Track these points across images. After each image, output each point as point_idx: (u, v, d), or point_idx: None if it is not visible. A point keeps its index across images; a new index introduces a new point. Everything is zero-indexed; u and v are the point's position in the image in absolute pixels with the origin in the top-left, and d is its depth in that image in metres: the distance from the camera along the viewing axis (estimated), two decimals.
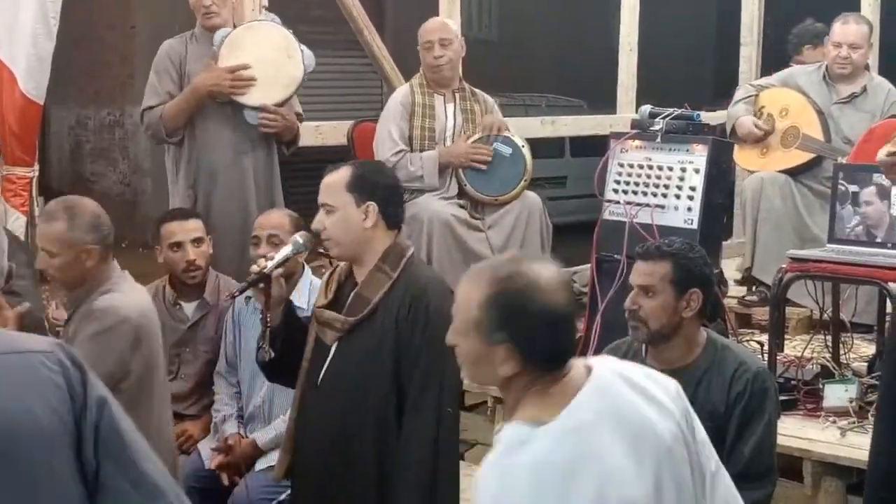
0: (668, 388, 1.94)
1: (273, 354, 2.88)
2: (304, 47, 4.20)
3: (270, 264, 2.84)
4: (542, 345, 1.85)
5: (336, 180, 2.83)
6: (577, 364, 1.90)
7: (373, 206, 2.81)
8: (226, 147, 4.19)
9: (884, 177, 3.90)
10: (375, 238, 2.82)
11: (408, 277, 2.81)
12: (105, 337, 2.87)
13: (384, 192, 2.86)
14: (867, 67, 5.27)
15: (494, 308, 1.85)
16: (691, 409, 1.97)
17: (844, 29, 5.04)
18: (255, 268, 2.88)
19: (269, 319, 2.87)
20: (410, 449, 2.72)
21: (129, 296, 2.98)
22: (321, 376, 2.85)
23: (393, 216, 2.86)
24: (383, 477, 2.76)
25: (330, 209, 2.82)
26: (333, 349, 2.85)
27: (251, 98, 4.13)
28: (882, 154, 3.00)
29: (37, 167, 4.24)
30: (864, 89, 5.10)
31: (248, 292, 3.70)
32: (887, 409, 2.98)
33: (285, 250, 2.91)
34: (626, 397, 1.87)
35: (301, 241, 2.95)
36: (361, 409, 2.78)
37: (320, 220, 2.84)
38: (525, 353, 1.84)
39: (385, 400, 2.76)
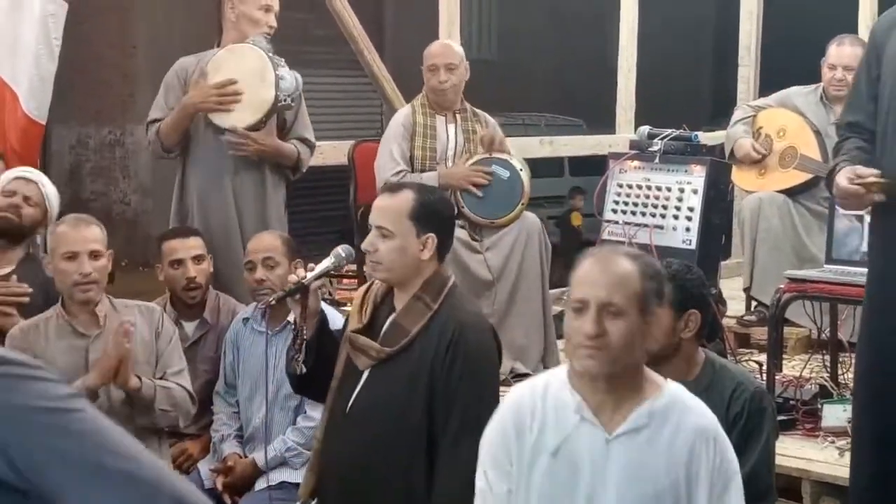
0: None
1: (305, 369, 2.82)
2: (288, 71, 4.10)
3: (310, 275, 2.79)
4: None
5: (399, 206, 2.74)
6: None
7: (433, 239, 2.74)
8: (211, 168, 4.18)
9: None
10: (425, 268, 2.76)
11: (448, 310, 2.73)
12: None
13: (445, 224, 2.80)
14: None
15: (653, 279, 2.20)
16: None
17: (839, 51, 5.07)
18: (293, 278, 2.82)
19: (304, 331, 2.82)
20: (442, 493, 2.65)
21: None
22: (351, 402, 2.78)
23: (447, 248, 2.81)
24: None
25: (387, 234, 2.73)
26: (366, 375, 2.79)
27: (223, 120, 4.11)
28: (846, 182, 2.89)
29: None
30: None
31: (246, 313, 3.75)
32: (868, 430, 2.99)
33: (326, 262, 2.86)
34: None
35: (343, 254, 2.89)
36: (390, 440, 2.71)
37: (372, 243, 2.75)
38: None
39: (416, 434, 2.69)
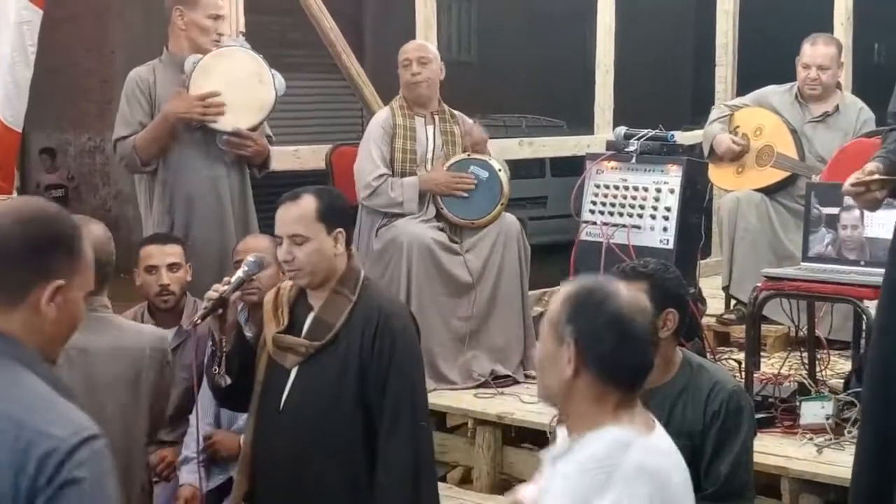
0: None
1: (230, 381, 2.90)
2: (275, 72, 4.20)
3: (227, 289, 2.86)
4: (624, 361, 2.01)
5: (306, 211, 2.84)
6: None
7: (342, 233, 2.86)
8: (201, 174, 4.18)
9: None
10: (339, 263, 2.86)
11: (367, 300, 2.85)
12: None
13: (347, 216, 2.93)
14: (839, 86, 5.33)
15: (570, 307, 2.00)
16: None
17: (813, 50, 5.11)
18: (211, 294, 2.88)
19: (224, 345, 2.88)
20: (390, 471, 2.74)
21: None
22: (283, 401, 2.85)
23: (351, 238, 2.93)
24: (352, 500, 2.78)
25: (302, 240, 2.82)
26: (294, 373, 2.86)
27: (224, 124, 4.13)
28: (847, 184, 2.96)
29: (15, 195, 4.23)
30: (837, 108, 5.16)
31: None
32: (868, 430, 3.00)
33: (239, 273, 2.93)
34: None
35: (255, 261, 2.98)
36: (327, 432, 2.80)
37: (289, 252, 2.83)
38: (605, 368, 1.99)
39: (351, 423, 2.79)
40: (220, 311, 2.86)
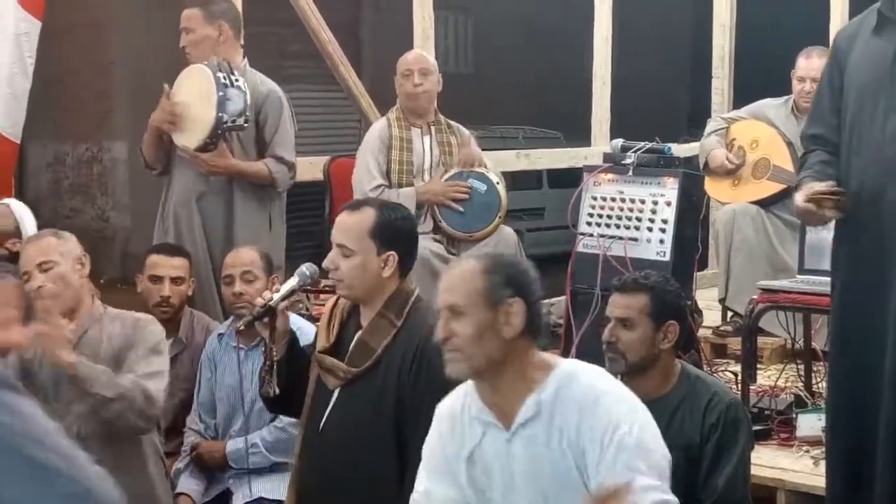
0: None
1: (278, 391, 2.82)
2: (233, 92, 4.02)
3: (276, 297, 2.79)
4: (539, 307, 2.24)
5: (359, 223, 2.74)
6: None
7: (394, 257, 2.74)
8: (184, 187, 4.21)
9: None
10: (388, 285, 2.76)
11: (413, 324, 2.73)
12: None
13: (406, 241, 2.80)
14: None
15: (497, 272, 2.22)
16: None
17: (808, 63, 5.13)
18: (259, 301, 2.82)
19: (274, 353, 2.81)
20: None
21: None
22: (323, 422, 2.80)
23: (409, 265, 2.81)
24: None
25: (348, 253, 2.73)
26: (336, 395, 2.80)
27: (178, 139, 4.14)
28: (800, 200, 2.91)
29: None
30: None
31: (221, 329, 3.75)
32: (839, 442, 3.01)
33: (291, 282, 2.85)
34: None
35: (308, 272, 2.88)
36: (361, 460, 2.73)
37: (334, 261, 2.75)
38: (530, 311, 2.21)
39: (384, 451, 2.70)
40: (268, 319, 2.79)
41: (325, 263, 2.81)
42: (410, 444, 2.62)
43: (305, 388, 2.86)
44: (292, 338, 2.89)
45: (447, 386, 2.47)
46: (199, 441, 3.61)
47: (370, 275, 2.73)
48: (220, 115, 3.98)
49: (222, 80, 4.00)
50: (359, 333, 2.79)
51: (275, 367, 2.82)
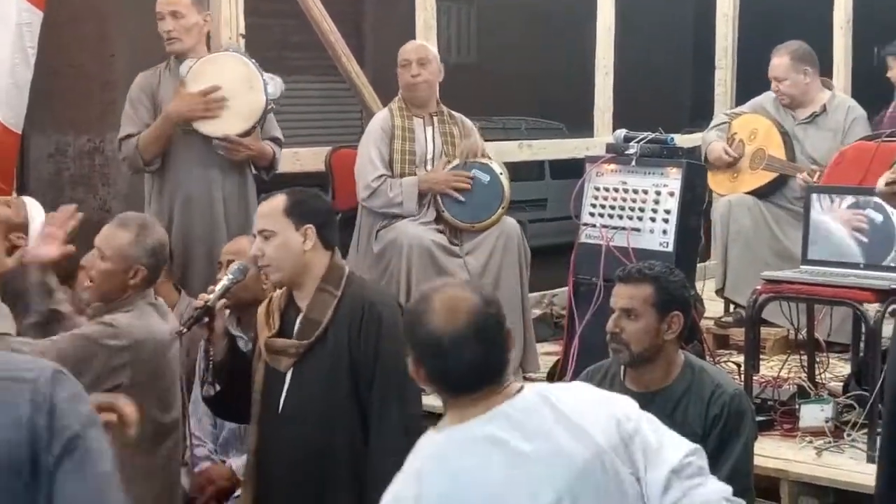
0: (598, 420, 1.99)
1: (218, 388, 2.91)
2: (271, 76, 4.18)
3: (212, 297, 2.87)
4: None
5: (274, 206, 2.89)
6: (514, 386, 2.02)
7: (311, 229, 2.87)
8: (197, 177, 4.21)
9: (857, 199, 3.97)
10: (314, 260, 2.88)
11: (352, 294, 2.88)
12: (90, 346, 2.86)
13: (320, 214, 2.94)
14: (828, 86, 5.37)
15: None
16: (639, 431, 2.03)
17: (771, 64, 5.21)
18: (197, 302, 2.90)
19: (212, 353, 2.89)
20: (380, 460, 2.73)
21: (141, 322, 2.97)
22: (281, 404, 2.88)
23: (329, 237, 2.94)
24: (362, 493, 2.79)
25: (269, 234, 2.87)
26: (289, 376, 2.88)
27: (214, 129, 4.13)
28: (881, 183, 2.99)
29: (14, 195, 4.23)
30: (824, 108, 5.21)
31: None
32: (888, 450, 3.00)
33: (224, 281, 2.94)
34: (535, 421, 1.96)
35: (238, 268, 2.98)
36: (328, 429, 2.83)
37: (259, 247, 2.88)
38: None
39: (350, 417, 2.82)
40: (207, 319, 2.86)
41: (251, 251, 2.94)
42: (368, 403, 2.82)
43: (248, 391, 2.94)
44: (231, 339, 2.98)
45: (396, 343, 2.59)
46: (208, 466, 3.59)
47: (293, 252, 2.86)
48: (268, 98, 4.10)
49: (256, 65, 4.09)
50: (301, 314, 2.90)
51: (211, 366, 2.90)
